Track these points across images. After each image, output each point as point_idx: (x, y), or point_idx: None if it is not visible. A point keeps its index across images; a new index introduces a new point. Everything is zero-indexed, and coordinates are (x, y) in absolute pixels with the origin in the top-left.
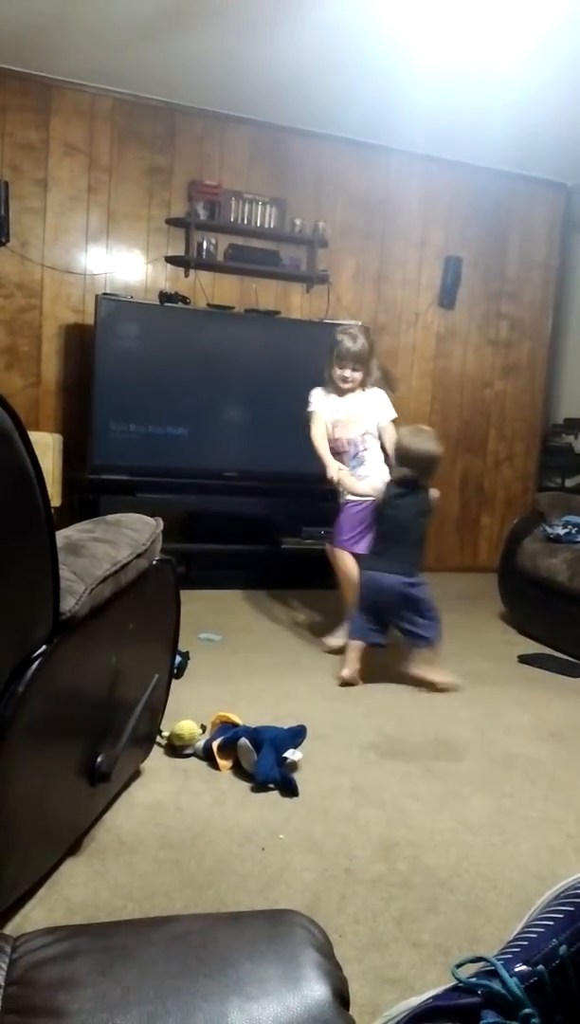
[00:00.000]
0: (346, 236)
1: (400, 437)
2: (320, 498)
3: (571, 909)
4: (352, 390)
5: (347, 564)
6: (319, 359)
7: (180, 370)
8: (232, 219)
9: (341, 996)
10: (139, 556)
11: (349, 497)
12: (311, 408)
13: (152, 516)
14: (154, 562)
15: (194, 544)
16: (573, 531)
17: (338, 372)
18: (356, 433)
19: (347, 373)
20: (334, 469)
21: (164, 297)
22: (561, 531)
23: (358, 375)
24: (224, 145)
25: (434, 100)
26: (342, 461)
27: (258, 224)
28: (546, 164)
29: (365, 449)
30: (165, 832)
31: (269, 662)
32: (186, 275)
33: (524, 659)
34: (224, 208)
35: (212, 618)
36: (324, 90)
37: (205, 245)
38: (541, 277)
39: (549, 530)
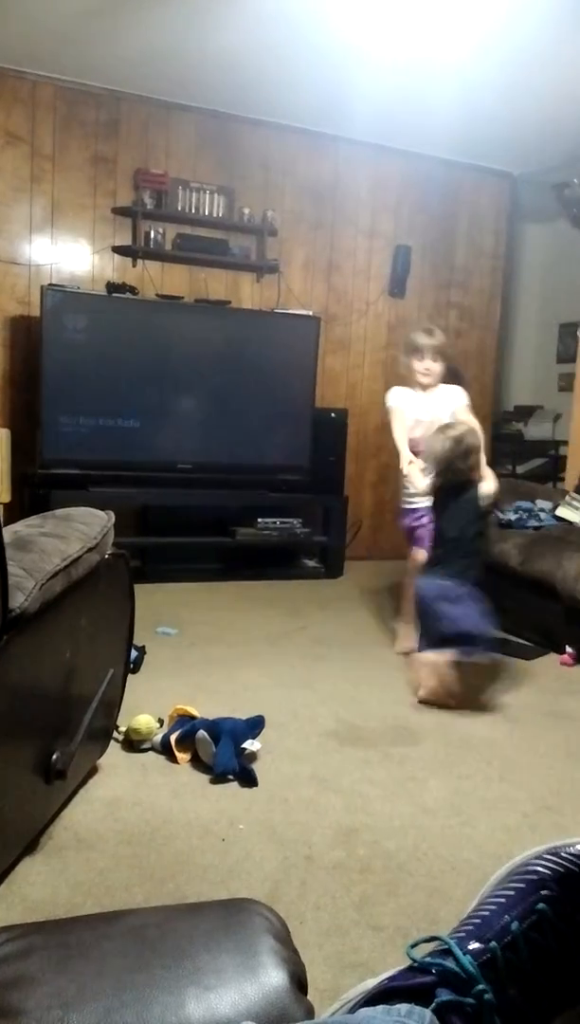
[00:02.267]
0: (295, 225)
1: (428, 443)
2: (274, 488)
3: (522, 886)
4: (434, 384)
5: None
6: (272, 349)
7: (130, 362)
8: (179, 208)
9: (299, 982)
10: (90, 550)
11: (406, 501)
12: (391, 405)
13: (104, 510)
14: (106, 556)
15: (149, 537)
16: (524, 516)
17: (418, 365)
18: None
19: (428, 364)
20: (406, 461)
21: (112, 287)
22: (512, 516)
23: (438, 367)
24: (170, 133)
25: (382, 88)
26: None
27: (206, 213)
28: (493, 154)
29: None
30: (123, 827)
31: (227, 654)
32: (134, 265)
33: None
34: (171, 197)
35: (169, 611)
36: (271, 78)
37: (153, 234)
38: (489, 266)
39: (501, 516)
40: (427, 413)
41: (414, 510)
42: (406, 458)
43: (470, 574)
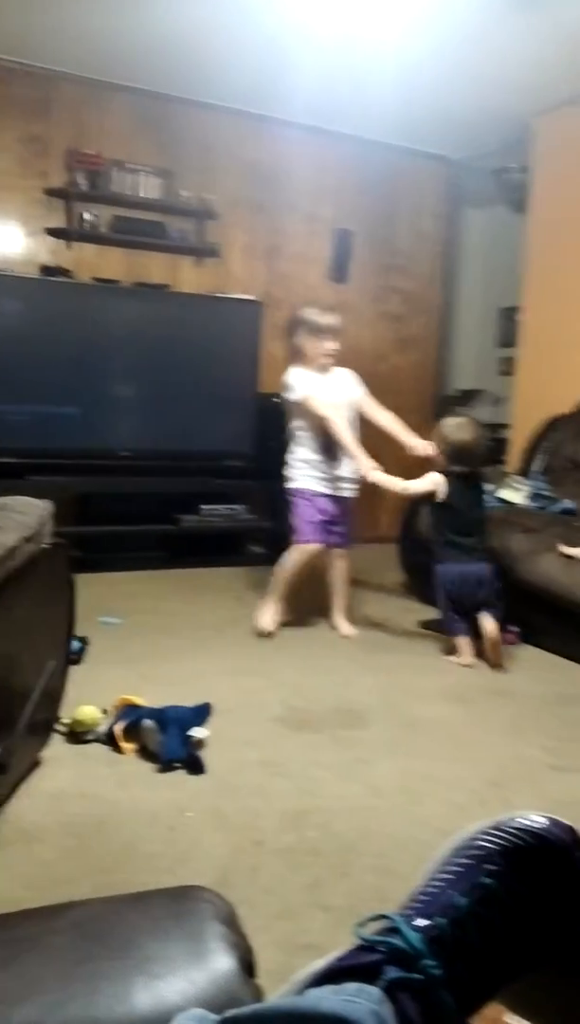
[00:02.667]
0: (235, 208)
1: (448, 432)
2: (218, 475)
3: (468, 861)
4: (332, 367)
5: (311, 560)
6: (213, 333)
7: (67, 347)
8: (115, 190)
9: (247, 966)
10: (28, 540)
11: (300, 486)
12: (306, 392)
13: (42, 499)
14: (45, 546)
15: (90, 527)
16: None
17: (323, 346)
18: (347, 418)
19: (334, 345)
20: (369, 469)
21: (46, 271)
22: None
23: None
24: (104, 113)
25: (321, 70)
26: (336, 454)
27: (143, 195)
28: (431, 138)
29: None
30: (69, 819)
31: (172, 642)
32: (69, 248)
33: (425, 625)
34: (106, 178)
35: (112, 601)
36: (208, 57)
37: (87, 217)
38: (430, 251)
39: None
40: (333, 396)
41: (321, 497)
42: (368, 464)
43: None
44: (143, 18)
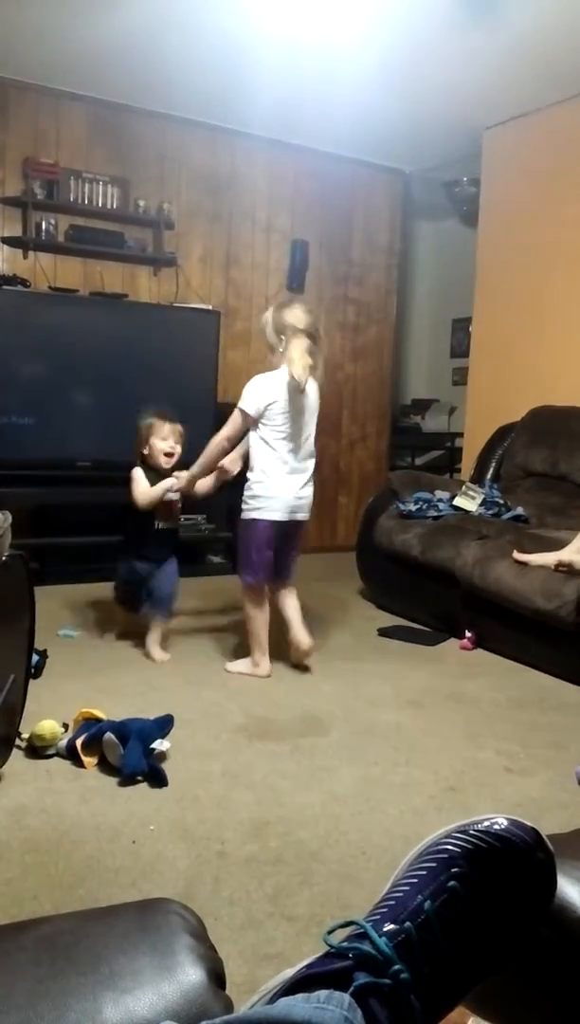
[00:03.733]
0: (193, 218)
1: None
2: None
3: (434, 865)
4: None
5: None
6: (171, 343)
7: (23, 356)
8: (72, 199)
9: (217, 977)
10: None
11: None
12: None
13: (0, 510)
14: (3, 558)
15: (48, 538)
16: (424, 507)
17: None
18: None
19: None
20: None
21: (2, 280)
22: (413, 507)
23: None
24: (60, 122)
25: (275, 78)
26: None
27: (100, 204)
28: (385, 151)
29: None
30: (30, 835)
31: (132, 655)
32: (25, 257)
33: (383, 632)
34: (63, 187)
35: (71, 613)
36: (165, 67)
37: (44, 226)
38: (384, 262)
39: (402, 507)
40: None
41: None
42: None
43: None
44: (100, 27)
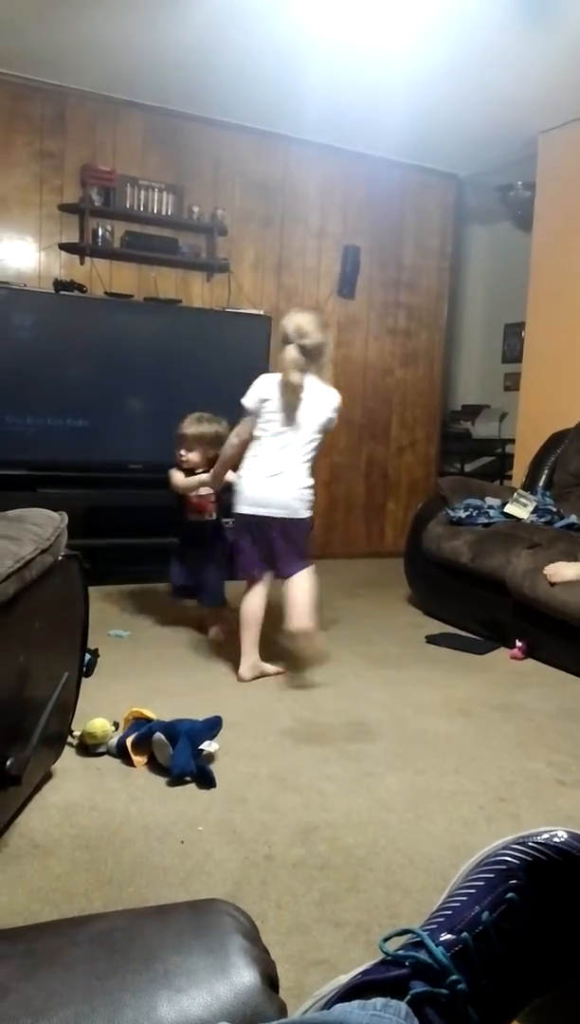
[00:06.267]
0: (245, 224)
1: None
2: (228, 488)
3: (491, 876)
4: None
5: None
6: (222, 348)
7: (79, 360)
8: (128, 206)
9: (270, 980)
10: (44, 552)
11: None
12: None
13: (55, 511)
14: (60, 558)
15: (100, 539)
16: (474, 513)
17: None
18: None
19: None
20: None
21: (59, 285)
22: (463, 514)
23: None
24: (117, 130)
25: (329, 85)
26: None
27: (155, 211)
28: (438, 155)
29: None
30: (80, 832)
31: (180, 654)
32: (82, 263)
33: (431, 639)
34: (119, 194)
35: (121, 614)
36: (219, 74)
37: (100, 232)
38: (436, 266)
39: (451, 513)
40: None
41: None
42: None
43: None
44: (156, 36)
